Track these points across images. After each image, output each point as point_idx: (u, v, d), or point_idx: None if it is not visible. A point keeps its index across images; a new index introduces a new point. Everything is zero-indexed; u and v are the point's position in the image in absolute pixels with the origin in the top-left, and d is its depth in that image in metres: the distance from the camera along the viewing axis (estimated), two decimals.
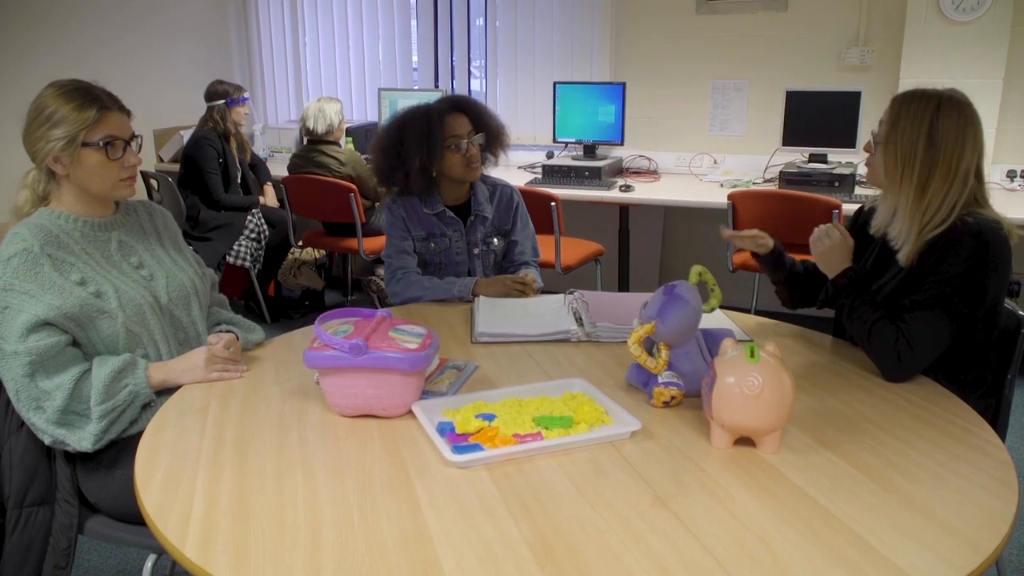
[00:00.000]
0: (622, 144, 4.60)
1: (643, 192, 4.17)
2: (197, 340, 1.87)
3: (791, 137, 4.19)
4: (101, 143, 1.71)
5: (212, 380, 1.73)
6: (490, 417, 1.49)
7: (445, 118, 2.40)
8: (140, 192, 4.70)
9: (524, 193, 2.96)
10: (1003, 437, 1.80)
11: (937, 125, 1.71)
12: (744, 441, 1.42)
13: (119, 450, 1.69)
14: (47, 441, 1.65)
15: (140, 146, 1.81)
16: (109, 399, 1.64)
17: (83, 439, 1.64)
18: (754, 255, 2.08)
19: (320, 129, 4.34)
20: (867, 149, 1.86)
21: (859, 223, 2.00)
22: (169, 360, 1.77)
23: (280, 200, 4.62)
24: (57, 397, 1.62)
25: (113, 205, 1.86)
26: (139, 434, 1.52)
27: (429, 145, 2.38)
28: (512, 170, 4.67)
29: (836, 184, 3.89)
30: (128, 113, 1.79)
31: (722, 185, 4.23)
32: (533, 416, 1.49)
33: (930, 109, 1.72)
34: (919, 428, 1.50)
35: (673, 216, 4.85)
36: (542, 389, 1.63)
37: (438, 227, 2.49)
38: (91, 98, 1.72)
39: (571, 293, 2.20)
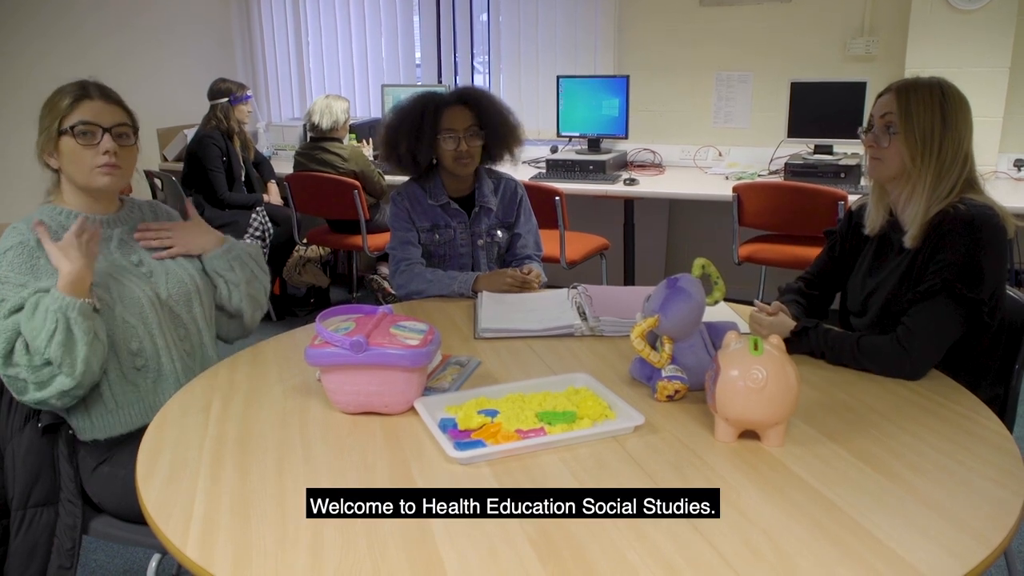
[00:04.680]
0: (626, 137, 4.58)
1: (648, 185, 4.16)
2: (198, 337, 1.87)
3: (796, 128, 4.17)
4: (72, 129, 1.70)
5: (86, 252, 1.64)
6: (493, 413, 1.48)
7: (444, 109, 2.40)
8: (144, 191, 4.71)
9: (528, 188, 2.95)
10: (1011, 428, 1.78)
11: (947, 108, 1.74)
12: (749, 434, 1.41)
13: (121, 449, 1.69)
14: (56, 406, 1.64)
15: (135, 137, 1.79)
16: (43, 332, 1.57)
17: (64, 378, 1.60)
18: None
19: (325, 125, 4.33)
20: (869, 145, 1.83)
21: (852, 225, 1.99)
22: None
23: (284, 198, 4.63)
24: (23, 370, 1.59)
25: (117, 202, 1.86)
26: (141, 433, 1.51)
27: (418, 134, 2.40)
28: (516, 164, 4.64)
29: (842, 175, 3.87)
30: (121, 105, 1.78)
31: (727, 177, 4.21)
32: (536, 411, 1.48)
33: (936, 94, 1.74)
34: (926, 419, 1.49)
35: (678, 209, 4.83)
36: (545, 384, 1.62)
37: (442, 218, 2.49)
38: (75, 88, 1.73)
39: (574, 287, 2.19)
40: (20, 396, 1.62)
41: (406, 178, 2.57)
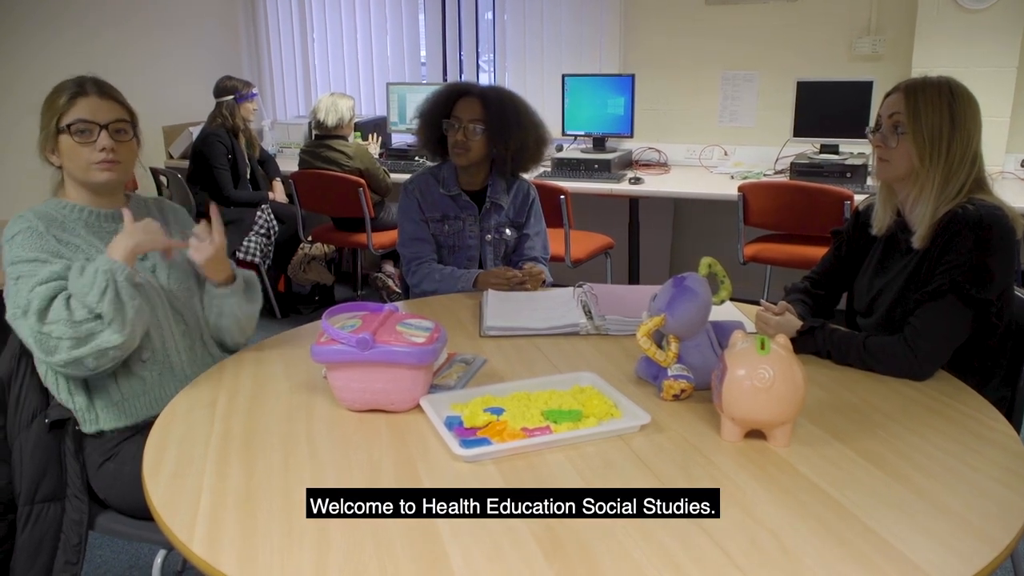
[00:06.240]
0: (631, 136, 4.57)
1: (653, 184, 4.15)
2: (198, 332, 1.87)
3: (802, 128, 4.16)
4: (70, 127, 1.71)
5: (155, 242, 1.72)
6: (498, 411, 1.48)
7: (461, 98, 2.47)
8: (150, 188, 4.72)
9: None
10: (1018, 429, 1.78)
11: (955, 108, 1.73)
12: (755, 434, 1.41)
13: (128, 445, 1.70)
14: (90, 367, 1.61)
15: (133, 132, 1.79)
16: (93, 289, 1.60)
17: (111, 335, 1.60)
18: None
19: (330, 122, 4.32)
20: (877, 145, 1.83)
21: (859, 225, 1.98)
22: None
23: (289, 195, 4.63)
24: (60, 326, 1.58)
25: (123, 198, 1.87)
26: (147, 428, 1.51)
27: (431, 116, 2.50)
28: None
29: (848, 175, 3.86)
30: (118, 100, 1.78)
31: (732, 177, 4.20)
32: (542, 410, 1.48)
33: (945, 94, 1.73)
34: (932, 420, 1.48)
35: (683, 208, 4.83)
36: (551, 382, 1.62)
37: (453, 209, 2.51)
38: (72, 85, 1.74)
39: (580, 286, 2.19)
40: (50, 356, 1.60)
41: (411, 177, 2.58)
